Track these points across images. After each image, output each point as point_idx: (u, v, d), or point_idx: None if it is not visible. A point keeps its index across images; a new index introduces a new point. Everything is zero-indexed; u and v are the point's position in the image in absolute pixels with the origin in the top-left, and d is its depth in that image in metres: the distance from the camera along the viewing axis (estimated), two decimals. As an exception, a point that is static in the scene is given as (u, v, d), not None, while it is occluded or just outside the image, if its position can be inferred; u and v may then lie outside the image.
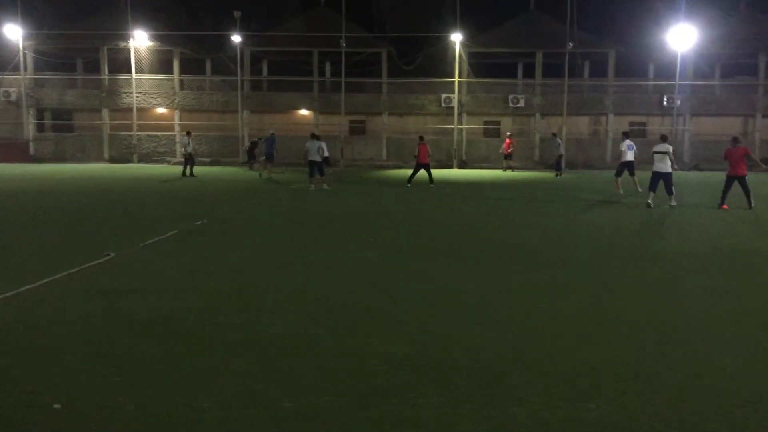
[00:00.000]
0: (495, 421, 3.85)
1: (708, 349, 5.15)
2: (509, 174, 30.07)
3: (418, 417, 3.89)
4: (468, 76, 36.81)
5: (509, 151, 32.03)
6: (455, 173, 30.66)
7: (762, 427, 3.81)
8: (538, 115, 36.68)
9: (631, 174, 19.65)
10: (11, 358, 4.85)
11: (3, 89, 36.71)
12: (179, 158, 36.75)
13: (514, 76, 40.01)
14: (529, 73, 38.58)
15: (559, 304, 6.53)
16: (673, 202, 15.72)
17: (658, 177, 15.73)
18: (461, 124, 36.25)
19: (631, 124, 37.38)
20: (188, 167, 25.70)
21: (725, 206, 15.14)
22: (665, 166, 15.69)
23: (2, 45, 36.84)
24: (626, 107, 36.34)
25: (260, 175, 26.17)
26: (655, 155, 15.89)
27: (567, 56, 34.76)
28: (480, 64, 38.28)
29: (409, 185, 21.17)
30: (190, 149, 26.08)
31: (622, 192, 19.15)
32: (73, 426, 3.77)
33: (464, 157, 36.36)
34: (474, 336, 5.46)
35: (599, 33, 37.59)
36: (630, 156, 19.58)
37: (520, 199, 18.40)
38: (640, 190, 19.09)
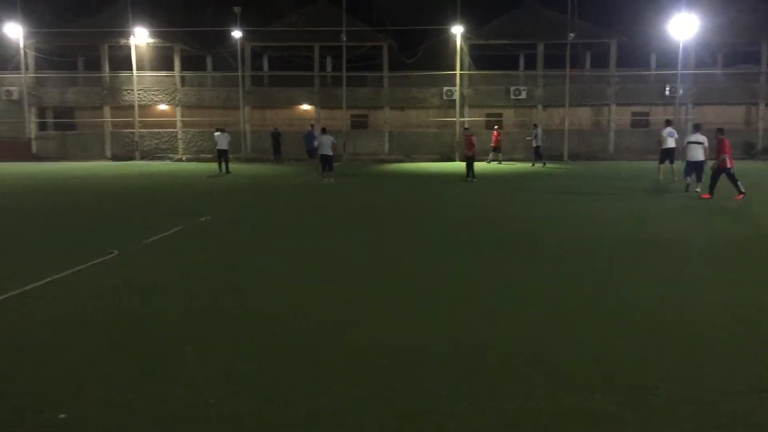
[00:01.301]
0: (499, 413, 3.86)
1: (712, 340, 5.15)
2: (505, 166, 30.06)
3: (421, 410, 3.89)
4: (469, 69, 36.72)
5: (497, 143, 31.95)
6: (459, 166, 30.60)
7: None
8: (540, 107, 36.59)
9: (671, 162, 19.75)
10: (18, 357, 4.87)
11: (5, 88, 36.74)
12: (181, 155, 36.84)
13: (516, 67, 39.92)
14: (530, 64, 38.49)
15: (566, 297, 6.53)
16: (699, 189, 15.94)
17: (693, 165, 16.23)
18: (463, 117, 36.18)
19: (634, 114, 37.33)
20: (224, 163, 25.39)
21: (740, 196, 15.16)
22: (699, 155, 16.11)
23: (3, 44, 36.88)
24: (628, 97, 36.22)
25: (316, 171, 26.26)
26: (690, 145, 16.32)
27: (568, 47, 34.64)
28: (481, 56, 38.20)
29: (474, 180, 21.02)
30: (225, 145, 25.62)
31: (661, 177, 19.30)
32: (83, 424, 3.79)
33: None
34: (480, 329, 5.46)
35: (601, 23, 37.47)
36: (671, 143, 19.74)
37: (530, 190, 18.36)
38: (675, 179, 19.16)
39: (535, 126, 31.48)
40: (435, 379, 4.36)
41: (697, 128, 16.88)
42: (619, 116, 36.66)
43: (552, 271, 7.76)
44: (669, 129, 20.05)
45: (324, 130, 21.82)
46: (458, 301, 6.38)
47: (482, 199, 16.28)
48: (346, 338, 5.25)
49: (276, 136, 33.66)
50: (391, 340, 5.17)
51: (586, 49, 38.12)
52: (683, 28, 32.66)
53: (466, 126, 24.62)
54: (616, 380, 4.32)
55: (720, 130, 15.99)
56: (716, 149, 15.44)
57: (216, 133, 31.10)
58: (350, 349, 4.97)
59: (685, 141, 16.72)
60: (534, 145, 30.15)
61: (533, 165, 29.12)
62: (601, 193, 17.13)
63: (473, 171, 21.26)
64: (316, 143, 20.98)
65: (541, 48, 36.13)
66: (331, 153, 20.66)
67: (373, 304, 6.31)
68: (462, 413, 3.85)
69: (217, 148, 25.71)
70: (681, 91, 34.45)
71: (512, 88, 36.12)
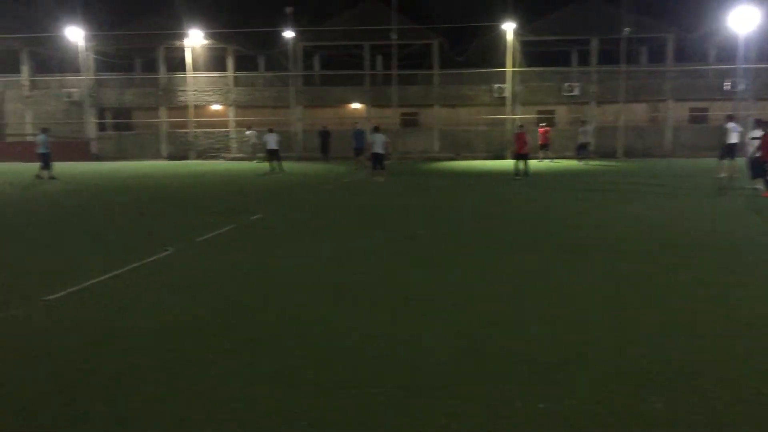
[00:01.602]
0: (549, 413, 3.80)
1: (775, 342, 4.98)
2: (556, 164, 29.60)
3: (471, 409, 3.86)
4: (520, 65, 36.32)
5: (545, 141, 31.36)
6: (510, 164, 30.31)
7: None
8: (593, 103, 35.95)
9: (732, 158, 19.38)
10: (76, 353, 5.01)
11: (66, 90, 38.00)
12: (234, 154, 37.45)
13: (568, 63, 39.28)
14: (583, 60, 37.84)
15: (620, 297, 6.40)
16: (759, 186, 15.61)
17: (757, 162, 15.87)
18: (514, 114, 35.81)
19: (692, 110, 36.35)
20: (275, 162, 26.05)
21: None
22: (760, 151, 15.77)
23: (64, 47, 38.15)
24: (686, 93, 35.30)
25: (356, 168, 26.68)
26: (753, 141, 16.10)
27: (623, 42, 33.91)
28: (533, 53, 37.74)
29: (522, 177, 20.60)
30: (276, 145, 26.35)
31: (724, 176, 18.90)
32: (131, 412, 3.88)
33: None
34: (531, 328, 5.39)
35: (657, 17, 36.58)
36: (734, 138, 19.37)
37: (583, 188, 18.07)
38: (735, 175, 18.81)
39: (583, 122, 30.96)
40: (489, 379, 4.32)
41: (758, 123, 16.57)
42: (676, 112, 35.76)
43: (605, 271, 7.61)
44: (733, 124, 19.55)
45: (377, 129, 21.90)
46: (506, 299, 6.31)
47: (533, 197, 16.07)
48: (394, 337, 5.24)
49: (324, 135, 33.94)
50: (442, 340, 5.14)
51: (641, 44, 37.25)
52: (744, 21, 31.60)
53: (520, 124, 24.30)
54: (666, 381, 4.20)
55: (766, 124, 15.60)
56: (762, 142, 15.07)
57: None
58: (400, 348, 4.96)
59: (748, 137, 16.35)
60: (580, 141, 29.80)
61: (587, 163, 28.69)
62: (659, 193, 16.71)
63: (527, 169, 20.94)
64: (374, 139, 21.13)
65: (594, 43, 35.49)
66: (382, 151, 20.78)
67: (420, 303, 6.28)
68: (510, 413, 3.80)
69: (267, 147, 26.25)
70: (741, 86, 33.38)
71: (565, 85, 35.60)
